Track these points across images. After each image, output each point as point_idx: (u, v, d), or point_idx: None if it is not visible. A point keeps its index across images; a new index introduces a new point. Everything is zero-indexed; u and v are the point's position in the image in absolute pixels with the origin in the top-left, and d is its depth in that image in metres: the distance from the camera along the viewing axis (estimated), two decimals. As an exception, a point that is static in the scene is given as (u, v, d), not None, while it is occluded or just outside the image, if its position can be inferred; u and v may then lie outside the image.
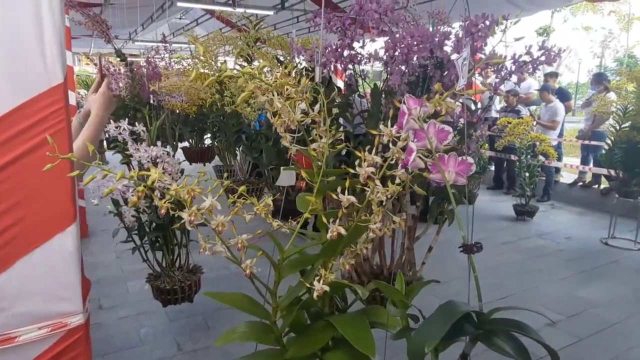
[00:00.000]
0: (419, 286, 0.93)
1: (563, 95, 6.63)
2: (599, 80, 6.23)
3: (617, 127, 4.46)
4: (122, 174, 0.76)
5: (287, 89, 0.80)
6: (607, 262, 4.06)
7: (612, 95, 5.20)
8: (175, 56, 3.76)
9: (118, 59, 4.99)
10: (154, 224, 2.48)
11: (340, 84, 2.86)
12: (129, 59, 5.08)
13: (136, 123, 2.33)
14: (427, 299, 0.98)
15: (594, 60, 13.89)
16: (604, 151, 4.74)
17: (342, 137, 1.90)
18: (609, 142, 4.62)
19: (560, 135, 6.51)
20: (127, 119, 2.29)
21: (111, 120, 2.40)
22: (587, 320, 2.97)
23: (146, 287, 2.66)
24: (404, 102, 0.77)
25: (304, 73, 2.27)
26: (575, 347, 2.65)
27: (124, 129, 2.27)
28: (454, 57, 1.40)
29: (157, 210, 0.82)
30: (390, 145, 0.81)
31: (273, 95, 0.82)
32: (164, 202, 0.79)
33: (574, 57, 15.05)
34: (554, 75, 7.12)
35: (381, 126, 0.80)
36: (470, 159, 0.78)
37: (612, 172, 4.63)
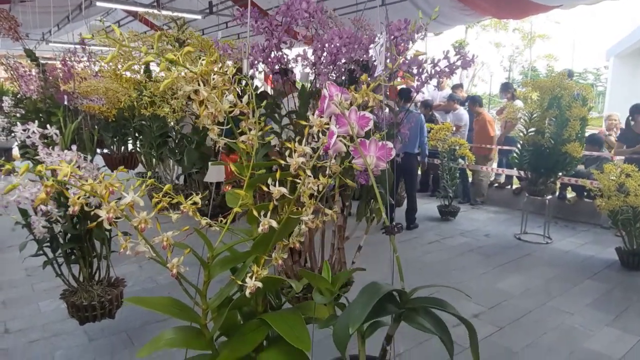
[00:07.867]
0: (345, 275, 0.93)
1: (474, 101, 7.12)
2: (506, 89, 6.85)
3: (525, 132, 4.87)
4: (27, 168, 0.69)
5: (213, 78, 0.77)
6: (521, 255, 4.41)
7: (519, 103, 5.67)
8: (100, 58, 3.52)
9: (29, 59, 4.58)
10: (69, 235, 2.29)
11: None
12: (41, 60, 4.68)
13: (49, 126, 2.15)
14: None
15: (504, 73, 15.21)
16: (515, 154, 5.15)
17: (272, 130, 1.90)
18: (519, 145, 5.03)
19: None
20: (37, 122, 2.11)
21: (18, 123, 2.21)
22: (507, 310, 3.19)
23: (62, 306, 2.44)
24: (325, 88, 0.78)
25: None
26: (497, 335, 2.83)
27: (33, 132, 2.08)
28: (371, 46, 1.43)
29: (70, 212, 0.75)
30: (320, 135, 0.82)
31: (198, 85, 0.79)
32: (77, 198, 0.73)
33: (486, 70, 16.43)
34: (460, 86, 8.07)
35: (310, 115, 0.80)
36: (389, 144, 0.80)
37: (522, 173, 5.05)
